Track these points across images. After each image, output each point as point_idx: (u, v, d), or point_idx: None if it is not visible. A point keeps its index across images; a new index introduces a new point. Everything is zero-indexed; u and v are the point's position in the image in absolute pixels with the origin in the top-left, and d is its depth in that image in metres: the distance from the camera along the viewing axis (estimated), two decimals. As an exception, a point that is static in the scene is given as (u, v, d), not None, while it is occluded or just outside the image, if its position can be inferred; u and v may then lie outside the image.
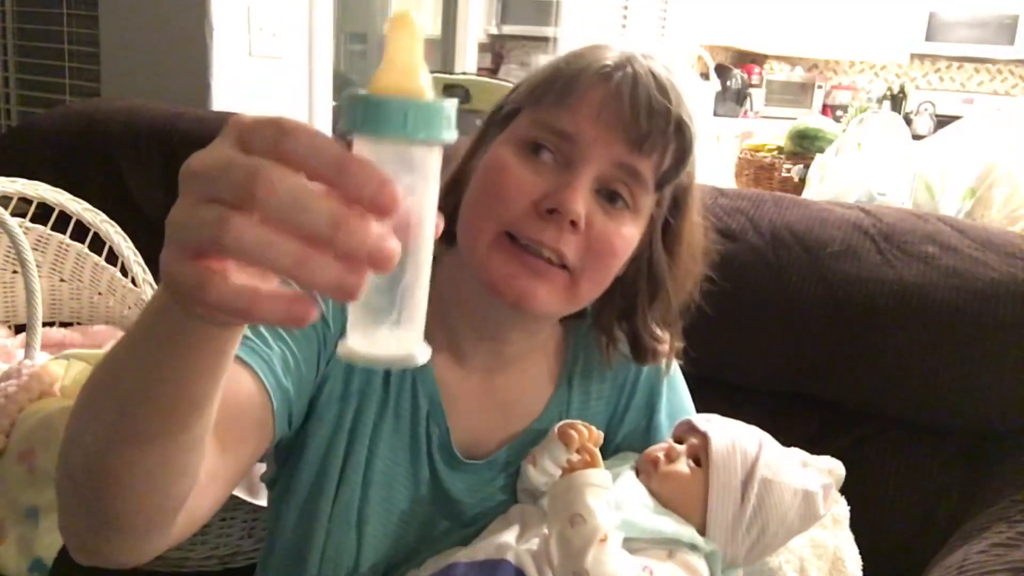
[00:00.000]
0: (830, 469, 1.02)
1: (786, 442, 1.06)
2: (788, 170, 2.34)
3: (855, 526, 0.99)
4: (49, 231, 1.23)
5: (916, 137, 2.74)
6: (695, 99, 0.75)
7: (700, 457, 0.77)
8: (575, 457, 0.72)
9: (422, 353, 0.41)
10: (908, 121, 4.15)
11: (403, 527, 0.76)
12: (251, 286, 0.36)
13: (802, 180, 2.27)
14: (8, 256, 1.23)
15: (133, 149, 1.62)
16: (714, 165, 3.13)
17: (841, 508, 1.00)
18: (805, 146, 2.38)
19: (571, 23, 3.85)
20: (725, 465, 0.76)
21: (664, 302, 0.79)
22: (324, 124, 2.30)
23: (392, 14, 0.38)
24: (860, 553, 0.98)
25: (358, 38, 3.68)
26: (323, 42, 2.25)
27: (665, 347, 0.82)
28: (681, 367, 1.17)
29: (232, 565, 1.10)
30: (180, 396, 0.45)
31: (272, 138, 0.35)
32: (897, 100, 4.61)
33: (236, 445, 0.63)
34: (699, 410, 0.92)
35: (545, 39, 4.34)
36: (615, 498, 0.73)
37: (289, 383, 0.68)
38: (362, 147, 0.37)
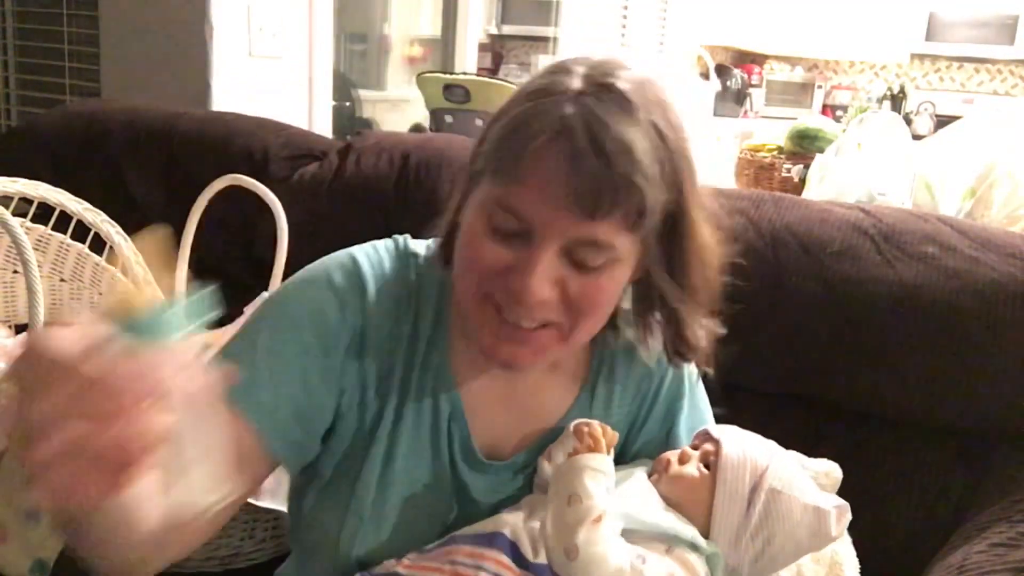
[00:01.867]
0: (827, 472, 1.02)
1: (786, 442, 1.06)
2: (788, 170, 2.34)
3: (854, 526, 0.99)
4: (50, 231, 1.23)
5: (916, 137, 2.74)
6: (674, 106, 0.72)
7: (711, 462, 0.78)
8: (581, 445, 0.74)
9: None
10: (908, 121, 4.16)
11: (422, 525, 0.77)
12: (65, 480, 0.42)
13: (802, 180, 2.27)
14: (9, 256, 1.23)
15: (133, 149, 1.62)
16: (714, 165, 3.13)
17: (841, 509, 1.00)
18: (805, 146, 2.38)
19: (571, 23, 3.85)
20: (734, 470, 0.77)
21: (684, 317, 0.78)
22: (324, 124, 2.31)
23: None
24: (860, 553, 0.97)
25: (358, 38, 3.68)
26: (323, 42, 2.25)
27: (696, 352, 0.81)
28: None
29: (232, 566, 1.10)
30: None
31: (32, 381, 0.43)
32: (897, 100, 4.61)
33: (235, 482, 0.68)
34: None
35: (545, 39, 4.34)
36: (624, 493, 0.75)
37: (298, 429, 0.73)
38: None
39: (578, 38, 3.78)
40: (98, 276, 1.31)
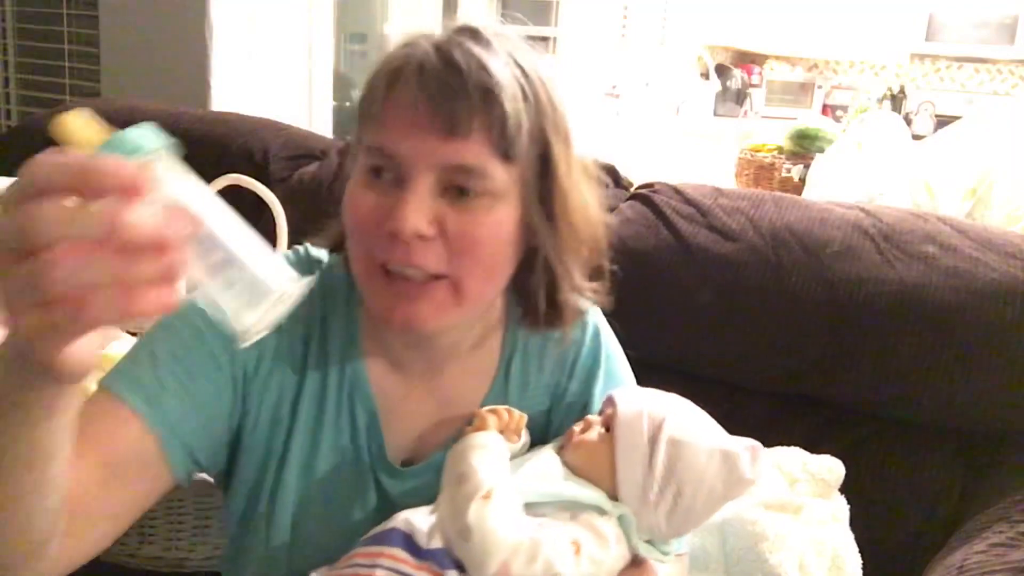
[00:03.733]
0: (830, 468, 1.03)
1: (786, 442, 1.06)
2: (788, 170, 2.34)
3: (855, 526, 0.99)
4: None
5: (916, 137, 2.74)
6: (524, 50, 0.70)
7: (611, 425, 0.76)
8: (470, 427, 0.74)
9: (289, 284, 0.48)
10: (908, 121, 4.16)
11: (349, 537, 0.75)
12: (81, 293, 0.40)
13: (802, 180, 2.27)
14: (8, 256, 1.24)
15: (133, 149, 1.61)
16: (714, 165, 3.13)
17: (841, 507, 1.01)
18: (805, 146, 2.38)
19: (571, 23, 3.85)
20: (630, 426, 0.75)
21: (561, 268, 0.75)
22: (324, 124, 2.31)
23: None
24: (860, 553, 0.98)
25: (358, 38, 3.68)
26: (323, 42, 2.25)
27: (572, 308, 0.79)
28: (681, 366, 1.17)
29: (232, 565, 1.10)
30: (19, 455, 0.49)
31: (28, 186, 0.40)
32: (897, 100, 4.61)
33: (121, 486, 0.65)
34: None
35: (545, 39, 4.34)
36: (526, 469, 0.74)
37: (186, 427, 0.69)
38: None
39: (578, 38, 3.78)
40: (98, 276, 1.31)
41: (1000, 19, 4.32)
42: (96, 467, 0.63)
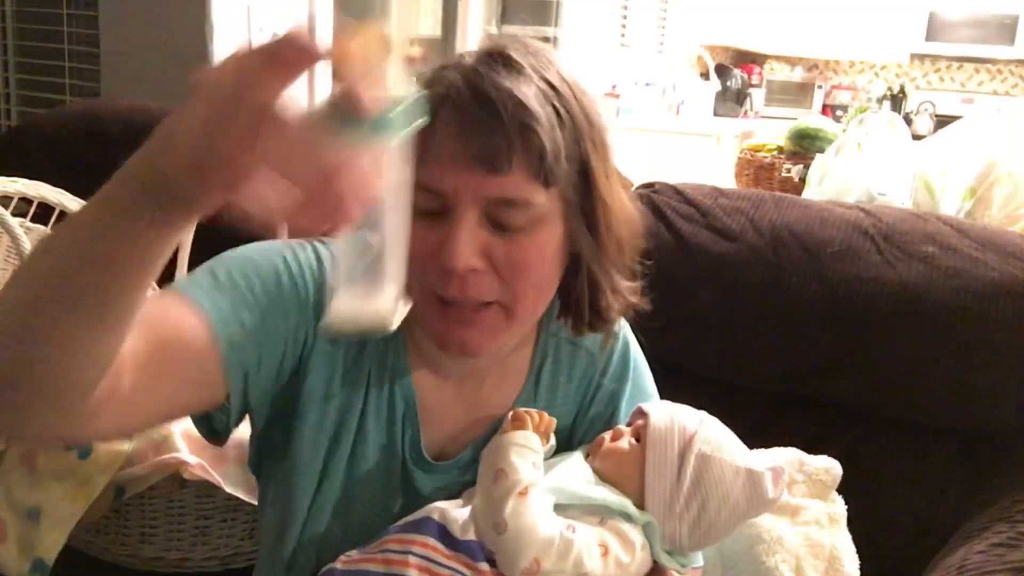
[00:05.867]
0: (827, 468, 1.02)
1: (786, 442, 1.06)
2: (788, 170, 2.34)
3: (855, 526, 0.99)
4: (49, 231, 1.23)
5: (916, 137, 2.73)
6: (570, 70, 0.71)
7: (642, 435, 0.78)
8: (508, 425, 0.75)
9: (397, 314, 0.49)
10: (908, 121, 4.15)
11: (377, 521, 0.77)
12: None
13: (802, 180, 2.27)
14: (9, 256, 1.23)
15: (133, 149, 1.61)
16: (714, 165, 3.12)
17: (839, 507, 1.00)
18: (805, 146, 2.38)
19: (571, 23, 3.85)
20: (662, 437, 0.77)
21: (604, 276, 0.76)
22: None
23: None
24: (860, 553, 0.98)
25: (358, 38, 3.67)
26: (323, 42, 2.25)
27: (615, 311, 0.80)
28: (681, 366, 1.17)
29: (233, 566, 1.10)
30: (114, 276, 0.49)
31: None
32: (897, 100, 4.61)
33: (171, 376, 0.64)
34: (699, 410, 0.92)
35: (545, 39, 4.34)
36: (556, 472, 0.76)
37: (247, 343, 0.69)
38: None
39: (578, 38, 3.77)
40: (98, 276, 1.31)
41: (1000, 19, 4.32)
42: (155, 346, 0.61)
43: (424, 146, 0.66)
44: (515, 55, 0.68)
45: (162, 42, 2.05)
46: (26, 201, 1.17)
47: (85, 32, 2.21)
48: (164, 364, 0.62)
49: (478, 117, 0.66)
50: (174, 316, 0.65)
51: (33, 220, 1.20)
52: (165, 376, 0.63)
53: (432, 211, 0.68)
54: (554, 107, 0.68)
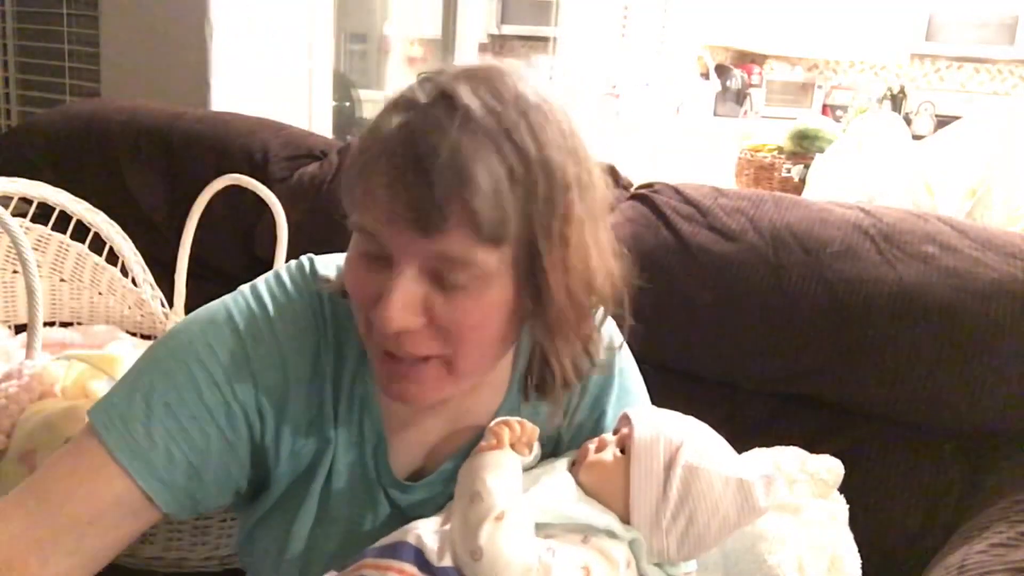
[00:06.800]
0: (829, 468, 1.02)
1: (786, 442, 1.06)
2: (788, 170, 2.34)
3: (855, 526, 0.99)
4: (49, 231, 1.23)
5: (916, 137, 2.74)
6: (549, 113, 0.64)
7: (627, 446, 0.75)
8: (486, 443, 0.72)
9: None
10: (908, 121, 4.16)
11: (360, 545, 0.75)
12: None
13: (802, 180, 2.27)
14: (8, 256, 1.23)
15: (133, 149, 1.62)
16: (714, 165, 3.13)
17: (840, 507, 1.00)
18: (805, 146, 2.38)
19: (571, 23, 3.85)
20: (647, 450, 0.74)
21: (554, 350, 0.71)
22: (324, 124, 2.30)
23: None
24: (860, 553, 0.97)
25: (358, 38, 3.68)
26: (323, 42, 2.25)
27: (571, 378, 0.75)
28: (681, 366, 1.17)
29: (232, 566, 1.10)
30: None
31: None
32: (897, 100, 4.61)
33: (98, 535, 0.69)
34: (698, 410, 0.92)
35: (545, 39, 4.34)
36: (539, 487, 0.73)
37: (186, 485, 0.70)
38: None
39: (578, 38, 3.78)
40: (98, 276, 1.31)
41: (1000, 19, 4.32)
42: (71, 522, 0.66)
43: (365, 193, 0.63)
44: (466, 98, 0.61)
45: (162, 42, 2.05)
46: (26, 201, 1.16)
47: (85, 32, 2.21)
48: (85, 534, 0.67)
49: (409, 178, 0.60)
50: (93, 486, 0.67)
51: (33, 220, 1.20)
52: (110, 549, 0.69)
53: (377, 255, 0.65)
54: (505, 163, 0.61)
